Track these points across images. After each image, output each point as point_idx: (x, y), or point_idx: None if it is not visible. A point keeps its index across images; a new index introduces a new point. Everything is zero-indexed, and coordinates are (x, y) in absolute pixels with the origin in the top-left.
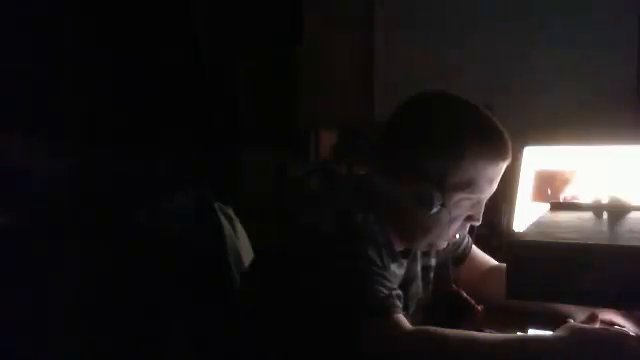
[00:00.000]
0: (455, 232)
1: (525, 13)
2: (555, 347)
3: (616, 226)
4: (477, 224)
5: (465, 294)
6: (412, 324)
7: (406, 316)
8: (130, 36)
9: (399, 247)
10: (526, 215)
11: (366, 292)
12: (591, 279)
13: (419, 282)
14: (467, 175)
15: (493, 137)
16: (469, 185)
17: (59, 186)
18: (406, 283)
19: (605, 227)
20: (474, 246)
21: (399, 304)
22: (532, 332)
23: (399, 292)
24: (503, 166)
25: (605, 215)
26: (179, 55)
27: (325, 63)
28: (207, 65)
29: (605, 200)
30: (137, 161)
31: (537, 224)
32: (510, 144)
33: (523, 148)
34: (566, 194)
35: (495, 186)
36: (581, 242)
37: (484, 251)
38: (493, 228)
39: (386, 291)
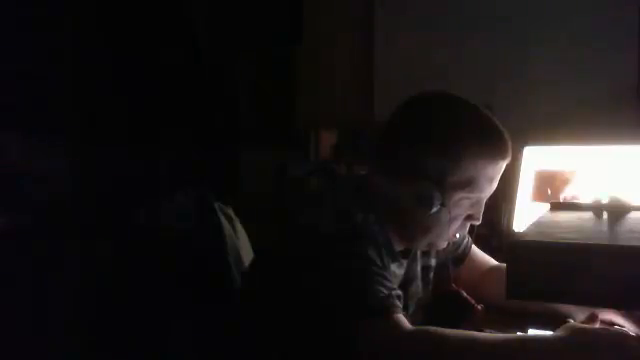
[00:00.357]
0: (455, 232)
1: (525, 13)
2: (555, 347)
3: (616, 226)
4: (477, 223)
5: (465, 294)
6: (412, 324)
7: (406, 316)
8: (130, 36)
9: (399, 247)
10: (526, 215)
11: (366, 292)
12: (591, 279)
13: (419, 282)
14: (467, 174)
15: (493, 136)
16: (469, 184)
17: (59, 186)
18: (406, 283)
19: (605, 227)
20: (474, 246)
21: (399, 304)
22: (532, 332)
23: (399, 292)
24: (503, 165)
25: (605, 215)
26: (179, 55)
27: (325, 63)
28: (207, 65)
29: (605, 200)
30: (137, 161)
31: (537, 224)
32: (510, 143)
33: (523, 148)
34: (566, 194)
35: (495, 185)
36: (581, 242)
37: (484, 251)
38: (493, 228)
39: (386, 291)
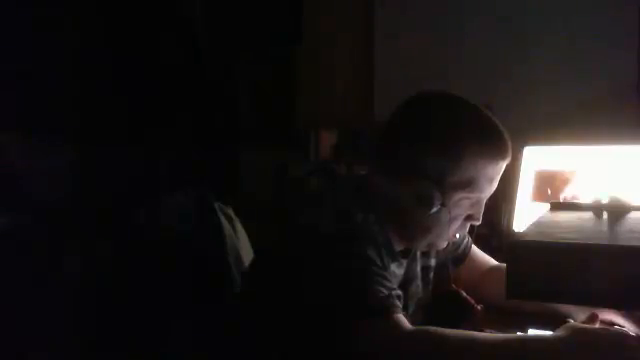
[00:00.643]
0: (455, 232)
1: (525, 13)
2: (555, 347)
3: (616, 226)
4: (477, 223)
5: (465, 294)
6: (412, 324)
7: (406, 316)
8: (130, 36)
9: (399, 247)
10: (526, 215)
11: (366, 292)
12: (591, 279)
13: (419, 282)
14: (467, 174)
15: (493, 136)
16: (469, 184)
17: (59, 186)
18: (406, 283)
19: (605, 227)
20: (474, 246)
21: (399, 304)
22: (532, 332)
23: (399, 292)
24: (503, 165)
25: (605, 215)
26: (179, 55)
27: (325, 63)
28: (207, 65)
29: (605, 200)
30: (137, 161)
31: (537, 224)
32: (510, 143)
33: (523, 148)
34: (566, 194)
35: (495, 185)
36: (581, 242)
37: (484, 251)
38: (493, 228)
39: (386, 291)
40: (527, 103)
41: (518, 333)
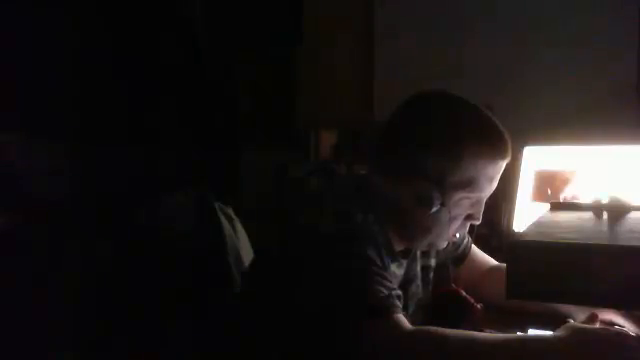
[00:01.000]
0: (455, 231)
1: (525, 13)
2: (555, 347)
3: (616, 226)
4: (477, 223)
5: (465, 294)
6: (412, 324)
7: (406, 316)
8: (130, 36)
9: (399, 247)
10: (526, 215)
11: (366, 292)
12: (591, 279)
13: (419, 282)
14: (467, 174)
15: (493, 136)
16: (469, 184)
17: (59, 186)
18: (406, 283)
19: (605, 227)
20: (474, 246)
21: (399, 304)
22: (532, 332)
23: (399, 292)
24: (503, 165)
25: (605, 215)
26: (179, 55)
27: (325, 63)
28: (207, 65)
29: (605, 200)
30: (137, 161)
31: (537, 224)
32: (510, 143)
33: (523, 148)
34: (566, 194)
35: (495, 185)
36: (581, 242)
37: (484, 251)
38: (493, 228)
39: (386, 291)
40: (527, 103)
41: (518, 333)
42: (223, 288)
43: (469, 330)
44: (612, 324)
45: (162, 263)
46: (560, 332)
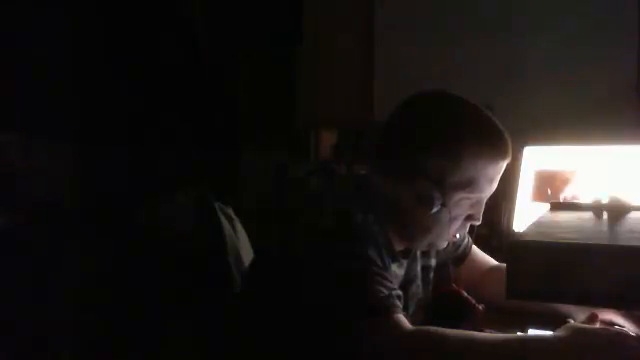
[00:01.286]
0: (455, 232)
1: (525, 13)
2: (555, 347)
3: (616, 226)
4: (477, 223)
5: (465, 294)
6: (412, 324)
7: (406, 316)
8: (130, 36)
9: (399, 247)
10: (526, 215)
11: (366, 292)
12: (591, 279)
13: (419, 282)
14: (467, 174)
15: (493, 136)
16: (469, 184)
17: (59, 186)
18: (406, 283)
19: (605, 227)
20: (474, 246)
21: (399, 304)
22: (532, 332)
23: (399, 292)
24: (503, 165)
25: (605, 215)
26: (179, 55)
27: (325, 63)
28: (207, 65)
29: (605, 200)
30: (137, 161)
31: (537, 224)
32: (510, 143)
33: (523, 148)
34: (566, 194)
35: (495, 185)
36: (581, 242)
37: (484, 251)
38: (493, 228)
39: (386, 291)
40: (527, 103)
41: (518, 333)
42: (223, 288)
43: (469, 330)
44: (612, 324)
45: (162, 263)
46: (560, 332)
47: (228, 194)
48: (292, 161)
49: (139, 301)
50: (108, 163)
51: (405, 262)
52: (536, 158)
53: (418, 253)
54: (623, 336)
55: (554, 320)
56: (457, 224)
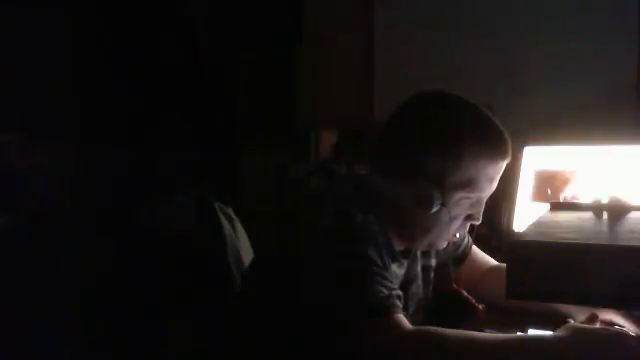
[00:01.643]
0: (455, 231)
1: (525, 13)
2: (555, 347)
3: (616, 226)
4: (477, 223)
5: (465, 294)
6: (412, 324)
7: (406, 316)
8: (130, 36)
9: (399, 247)
10: (526, 215)
11: (366, 292)
12: (591, 279)
13: (419, 282)
14: (467, 174)
15: (492, 136)
16: (469, 184)
17: (59, 186)
18: (406, 283)
19: (605, 227)
20: (474, 246)
21: (399, 304)
22: (532, 332)
23: (399, 292)
24: (503, 165)
25: (605, 215)
26: (179, 55)
27: (325, 63)
28: (207, 65)
29: (605, 200)
30: (137, 161)
31: (537, 224)
32: (510, 143)
33: (523, 148)
34: (566, 194)
35: (495, 185)
36: (581, 242)
37: (484, 251)
38: (493, 228)
39: (386, 291)
40: (527, 103)
41: (518, 333)
42: (223, 288)
43: (469, 330)
44: (612, 324)
45: (162, 263)
46: (560, 332)
47: (228, 194)
48: (292, 161)
49: (139, 301)
50: (108, 163)
51: (405, 262)
52: (536, 158)
53: (418, 253)
54: (623, 336)
55: (554, 320)
56: (457, 224)
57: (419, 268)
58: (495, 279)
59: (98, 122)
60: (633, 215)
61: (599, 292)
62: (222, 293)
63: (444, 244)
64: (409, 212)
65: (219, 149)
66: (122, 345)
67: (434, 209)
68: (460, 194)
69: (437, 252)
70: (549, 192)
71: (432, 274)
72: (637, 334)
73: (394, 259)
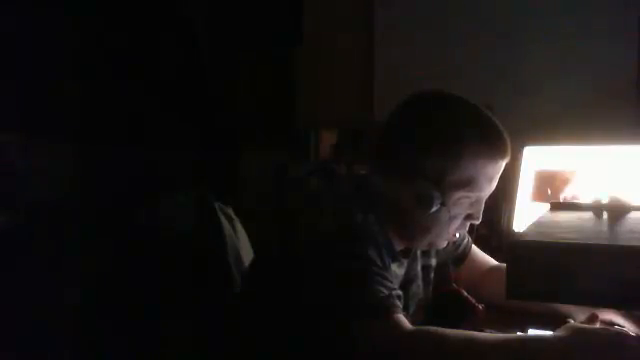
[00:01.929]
0: (455, 231)
1: (525, 13)
2: (555, 347)
3: (616, 226)
4: (477, 222)
5: (466, 293)
6: (412, 324)
7: (406, 316)
8: (130, 36)
9: (399, 247)
10: (526, 215)
11: (366, 292)
12: (591, 279)
13: (419, 282)
14: (466, 174)
15: (492, 136)
16: (469, 184)
17: (59, 186)
18: (407, 283)
19: (605, 227)
20: (474, 246)
21: (399, 304)
22: (532, 332)
23: (399, 292)
24: (502, 164)
25: (605, 215)
26: (179, 55)
27: (325, 63)
28: (207, 65)
29: (605, 200)
30: (137, 161)
31: (537, 224)
32: (509, 143)
33: (523, 148)
34: (566, 194)
35: (495, 185)
36: (581, 242)
37: (484, 251)
38: (493, 228)
39: (386, 291)
40: (527, 103)
41: (518, 333)
42: (223, 288)
43: (469, 330)
44: (612, 324)
45: (162, 263)
46: (560, 332)
47: (228, 194)
48: (292, 161)
49: (139, 301)
50: (108, 163)
51: (405, 262)
52: (536, 158)
53: (418, 253)
54: (623, 336)
55: (554, 320)
56: (457, 223)
57: (419, 268)
58: (495, 279)
59: (98, 122)
60: (633, 215)
61: (599, 292)
62: (222, 293)
63: (444, 244)
64: (409, 212)
65: (219, 149)
66: (122, 345)
67: (434, 208)
68: (460, 193)
69: (437, 252)
70: (549, 192)
71: (432, 274)
72: (637, 334)
73: (394, 259)
